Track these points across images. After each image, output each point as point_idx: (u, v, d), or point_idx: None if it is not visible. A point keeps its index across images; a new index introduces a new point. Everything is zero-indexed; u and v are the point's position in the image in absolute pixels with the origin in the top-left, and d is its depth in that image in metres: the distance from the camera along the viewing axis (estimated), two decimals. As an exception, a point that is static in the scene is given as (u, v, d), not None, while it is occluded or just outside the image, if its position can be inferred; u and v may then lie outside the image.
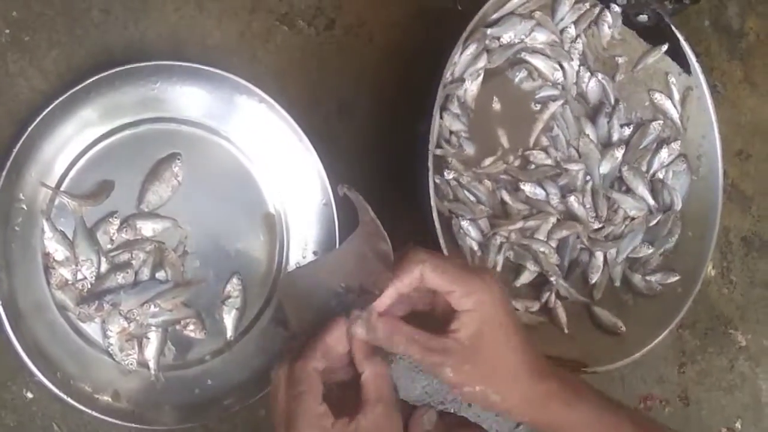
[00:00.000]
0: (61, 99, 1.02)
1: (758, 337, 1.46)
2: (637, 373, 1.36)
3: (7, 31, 1.07)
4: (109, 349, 1.07)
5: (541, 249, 1.21)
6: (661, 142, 1.30)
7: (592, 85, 1.28)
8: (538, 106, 1.26)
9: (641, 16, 1.27)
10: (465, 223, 1.17)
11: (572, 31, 1.26)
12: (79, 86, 1.02)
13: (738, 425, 1.44)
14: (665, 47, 1.27)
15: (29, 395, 1.07)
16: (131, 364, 1.07)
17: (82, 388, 1.04)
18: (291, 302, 1.06)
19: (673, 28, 1.25)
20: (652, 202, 1.28)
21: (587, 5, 1.26)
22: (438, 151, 1.16)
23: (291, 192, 1.14)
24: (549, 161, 1.25)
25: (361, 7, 1.22)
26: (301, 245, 1.15)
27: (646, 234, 1.28)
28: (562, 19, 1.26)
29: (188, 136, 1.11)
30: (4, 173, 1.00)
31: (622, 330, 1.23)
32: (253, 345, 1.13)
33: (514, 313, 0.88)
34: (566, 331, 1.21)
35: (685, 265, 1.27)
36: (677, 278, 1.26)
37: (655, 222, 1.28)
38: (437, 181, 1.15)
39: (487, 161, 1.22)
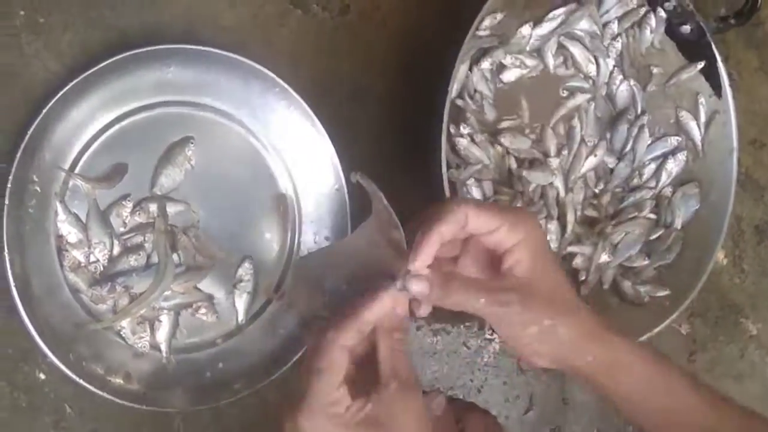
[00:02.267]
0: (75, 82, 1.02)
1: (769, 326, 1.46)
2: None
3: (22, 12, 1.07)
4: (122, 332, 1.07)
5: None
6: (667, 154, 1.29)
7: (622, 89, 1.28)
8: (566, 93, 1.26)
9: (684, 26, 1.25)
10: (469, 182, 1.17)
11: (615, 27, 1.26)
12: (94, 69, 1.02)
13: (747, 414, 1.44)
14: (701, 65, 1.26)
15: (42, 376, 1.07)
16: (143, 346, 1.08)
17: (94, 370, 1.04)
18: (303, 287, 1.06)
19: (713, 46, 1.24)
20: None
21: (634, 3, 1.26)
22: (459, 102, 1.17)
23: (303, 177, 1.14)
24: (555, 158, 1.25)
25: (376, -8, 1.22)
26: (314, 230, 1.15)
27: (644, 245, 1.27)
28: (607, 12, 1.25)
29: (201, 119, 1.12)
30: (18, 155, 1.01)
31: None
32: (264, 329, 1.13)
33: None
34: None
35: (678, 282, 1.26)
36: (667, 293, 1.25)
37: (656, 236, 1.28)
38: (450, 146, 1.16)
39: (505, 123, 1.22)
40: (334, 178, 1.13)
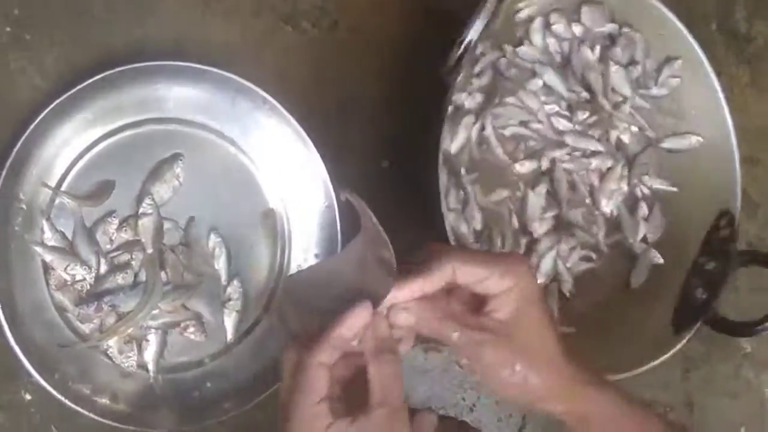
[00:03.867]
0: (61, 98, 1.01)
1: (763, 344, 1.44)
2: (641, 379, 1.34)
3: (8, 29, 1.07)
4: (108, 352, 1.06)
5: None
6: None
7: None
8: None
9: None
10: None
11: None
12: (81, 86, 1.02)
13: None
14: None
15: (27, 397, 1.06)
16: (131, 366, 1.07)
17: (80, 390, 1.03)
18: (292, 305, 1.05)
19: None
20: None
21: None
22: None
23: (293, 194, 1.13)
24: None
25: (365, 8, 1.22)
26: (303, 248, 1.14)
27: None
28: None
29: (190, 136, 1.11)
30: (4, 173, 1.00)
31: None
32: (253, 348, 1.12)
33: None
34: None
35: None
36: None
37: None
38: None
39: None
40: (323, 195, 1.12)
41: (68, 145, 1.06)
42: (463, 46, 1.01)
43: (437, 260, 0.79)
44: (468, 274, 0.78)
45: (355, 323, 0.77)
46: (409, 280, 0.78)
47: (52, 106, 1.01)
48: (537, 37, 1.23)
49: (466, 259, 0.79)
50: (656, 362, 1.19)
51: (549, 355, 0.80)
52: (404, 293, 0.78)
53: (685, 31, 1.23)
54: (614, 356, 1.19)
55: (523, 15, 1.22)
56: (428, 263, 0.79)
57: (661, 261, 1.25)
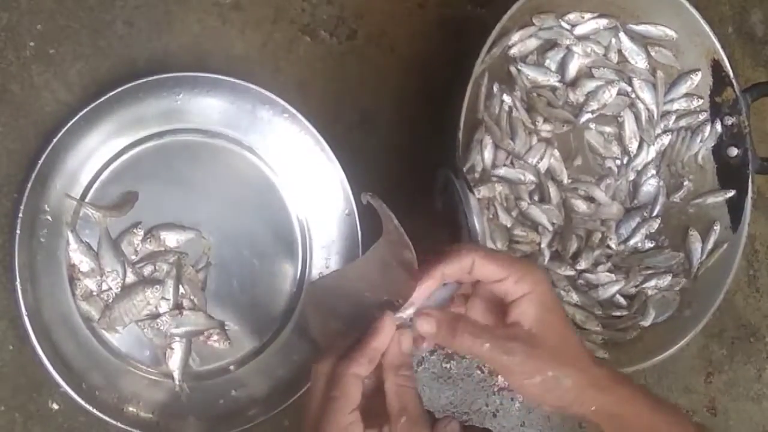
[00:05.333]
0: (85, 111, 1.02)
1: (786, 347, 1.44)
2: (663, 383, 1.34)
3: (32, 44, 1.08)
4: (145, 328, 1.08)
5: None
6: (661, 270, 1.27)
7: (649, 185, 1.27)
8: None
9: (732, 149, 1.24)
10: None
11: (671, 120, 1.27)
12: (103, 98, 1.03)
13: (766, 435, 1.43)
14: (731, 193, 1.24)
15: (55, 407, 1.07)
16: (156, 375, 1.08)
17: (107, 399, 1.04)
18: (315, 312, 1.05)
19: (750, 180, 1.22)
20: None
21: (699, 103, 1.26)
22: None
23: (314, 202, 1.14)
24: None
25: (382, 17, 1.23)
26: (324, 255, 1.15)
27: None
28: (671, 101, 1.26)
29: (211, 146, 1.12)
30: (29, 185, 1.01)
31: None
32: (277, 355, 1.12)
33: None
34: None
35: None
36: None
37: (619, 315, 1.24)
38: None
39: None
40: (344, 202, 1.12)
41: (92, 157, 1.07)
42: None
43: (458, 250, 0.81)
44: (486, 269, 0.80)
45: (387, 335, 0.80)
46: (430, 264, 0.81)
47: (75, 118, 1.02)
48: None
49: (486, 254, 0.81)
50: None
51: (577, 357, 0.81)
52: (425, 278, 0.80)
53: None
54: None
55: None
56: (449, 253, 0.81)
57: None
